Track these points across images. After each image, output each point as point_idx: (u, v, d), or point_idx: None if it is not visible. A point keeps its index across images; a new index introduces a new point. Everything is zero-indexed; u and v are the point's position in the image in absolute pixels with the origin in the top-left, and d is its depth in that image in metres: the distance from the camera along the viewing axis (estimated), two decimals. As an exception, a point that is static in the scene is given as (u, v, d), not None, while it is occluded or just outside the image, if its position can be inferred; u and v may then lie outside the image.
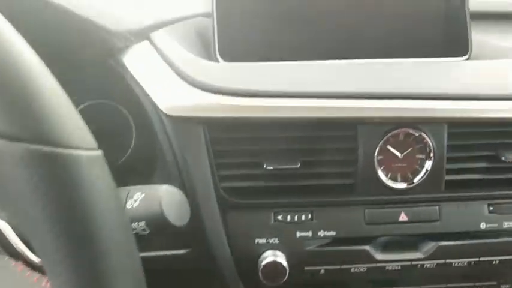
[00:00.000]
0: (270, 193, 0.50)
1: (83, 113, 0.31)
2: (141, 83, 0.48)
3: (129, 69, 0.49)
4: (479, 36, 0.61)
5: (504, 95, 0.48)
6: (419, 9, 0.57)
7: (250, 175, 0.49)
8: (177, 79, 0.47)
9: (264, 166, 0.48)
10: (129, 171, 0.51)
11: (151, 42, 0.51)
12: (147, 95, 0.48)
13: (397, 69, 0.53)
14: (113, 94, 0.54)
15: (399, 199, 0.51)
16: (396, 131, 0.48)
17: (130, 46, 0.50)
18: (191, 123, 0.47)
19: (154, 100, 0.47)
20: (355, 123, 0.47)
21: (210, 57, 0.55)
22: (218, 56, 0.54)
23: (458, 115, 0.47)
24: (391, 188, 0.49)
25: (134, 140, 0.54)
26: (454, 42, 0.58)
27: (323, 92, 0.46)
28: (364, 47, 0.57)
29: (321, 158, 0.49)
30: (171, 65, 0.48)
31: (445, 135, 0.48)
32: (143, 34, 0.51)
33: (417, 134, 0.48)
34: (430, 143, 0.48)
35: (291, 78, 0.49)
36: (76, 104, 0.43)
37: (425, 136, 0.48)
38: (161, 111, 0.47)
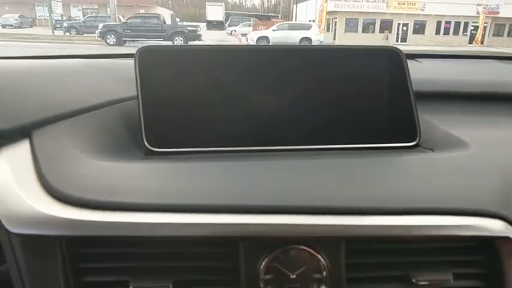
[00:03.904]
0: None
1: None
2: None
3: None
4: (430, 118, 0.59)
5: (410, 208, 0.42)
6: (364, 94, 0.55)
7: None
8: (36, 187, 0.40)
9: (130, 286, 0.41)
10: None
11: (31, 142, 0.44)
12: None
13: (298, 175, 0.46)
14: None
15: None
16: (284, 248, 0.42)
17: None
18: (43, 239, 0.40)
19: None
20: (236, 241, 0.42)
21: (139, 143, 0.52)
22: (145, 143, 0.51)
23: (356, 232, 0.41)
24: None
25: None
26: (401, 128, 0.55)
27: (197, 206, 0.41)
28: (305, 135, 0.54)
29: (197, 277, 0.43)
30: (36, 169, 0.42)
31: (342, 253, 0.42)
32: (21, 132, 0.44)
33: (310, 251, 0.42)
34: (324, 262, 0.42)
35: (166, 187, 0.43)
36: None
37: (317, 254, 0.42)
38: (2, 225, 0.39)
